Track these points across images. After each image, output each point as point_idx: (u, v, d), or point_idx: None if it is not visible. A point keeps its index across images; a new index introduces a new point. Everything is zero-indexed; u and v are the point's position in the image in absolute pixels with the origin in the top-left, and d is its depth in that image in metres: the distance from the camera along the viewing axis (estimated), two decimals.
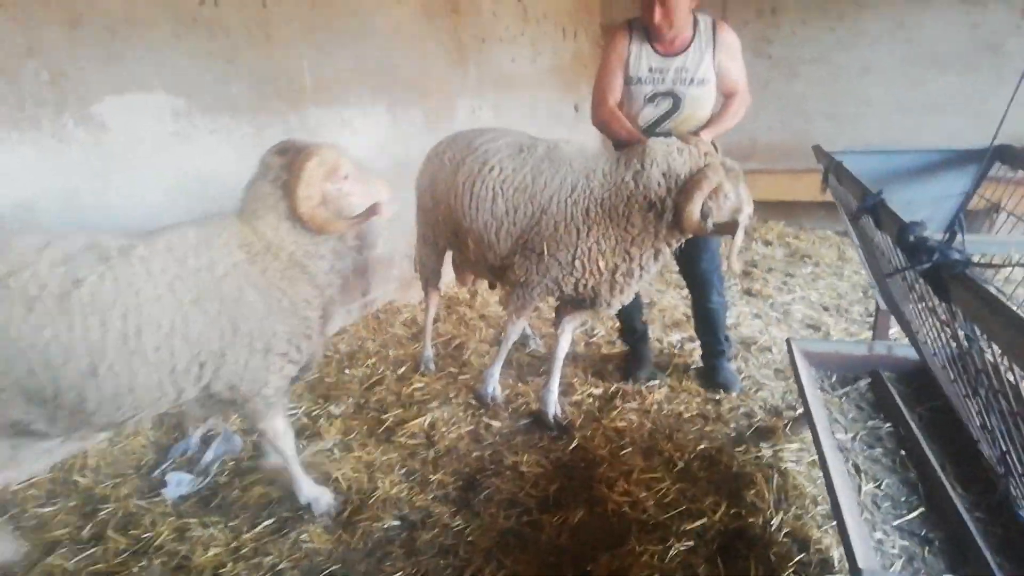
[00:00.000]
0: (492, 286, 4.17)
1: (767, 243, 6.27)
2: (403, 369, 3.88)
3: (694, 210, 2.75)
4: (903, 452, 2.45)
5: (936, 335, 1.84)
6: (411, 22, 4.76)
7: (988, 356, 1.29)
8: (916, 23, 6.39)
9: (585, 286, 3.11)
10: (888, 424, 2.64)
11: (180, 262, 2.20)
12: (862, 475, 2.32)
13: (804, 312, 4.68)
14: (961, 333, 1.36)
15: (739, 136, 7.28)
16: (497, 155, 3.23)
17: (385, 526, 2.63)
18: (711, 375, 3.70)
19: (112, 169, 2.98)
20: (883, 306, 3.05)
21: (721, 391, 3.57)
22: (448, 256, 3.78)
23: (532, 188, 3.10)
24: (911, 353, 2.91)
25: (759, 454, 2.97)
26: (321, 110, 4.04)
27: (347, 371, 3.90)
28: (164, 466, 3.00)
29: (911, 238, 1.34)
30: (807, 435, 3.07)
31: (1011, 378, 1.30)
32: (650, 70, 3.31)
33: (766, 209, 6.86)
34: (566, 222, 3.03)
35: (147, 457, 3.06)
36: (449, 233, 3.46)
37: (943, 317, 1.55)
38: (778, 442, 3.04)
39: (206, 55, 3.34)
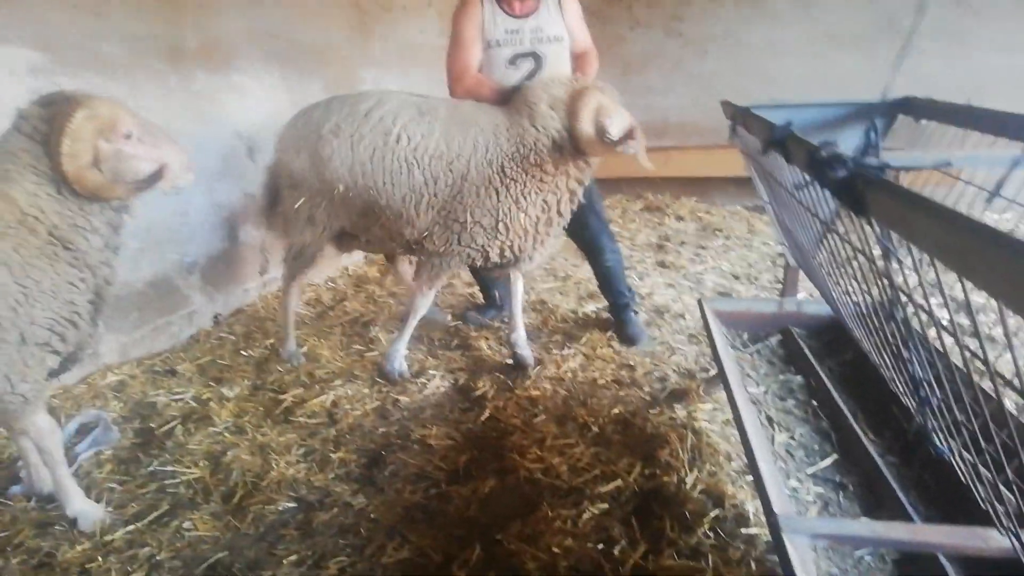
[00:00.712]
0: (390, 260, 3.95)
1: (679, 218, 6.29)
2: (304, 348, 3.64)
3: (586, 126, 2.79)
4: (815, 403, 2.42)
5: (848, 274, 1.79)
6: None
7: (908, 265, 1.21)
8: (819, 1, 6.52)
9: (510, 248, 3.05)
10: (800, 377, 2.61)
11: None
12: (775, 426, 2.27)
13: (716, 281, 4.68)
14: (878, 253, 1.27)
15: (651, 115, 7.33)
16: (398, 122, 3.01)
17: (280, 508, 2.42)
18: (620, 330, 3.71)
19: None
20: (792, 262, 3.02)
21: (629, 345, 3.60)
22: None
23: (448, 154, 2.95)
24: (820, 309, 2.91)
25: (673, 415, 2.90)
26: (207, 74, 3.74)
27: (243, 352, 3.63)
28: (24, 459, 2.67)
29: (823, 154, 1.24)
30: (720, 395, 3.02)
31: (930, 290, 1.22)
32: (507, 31, 3.27)
33: (678, 185, 6.91)
34: (487, 185, 2.94)
35: (8, 450, 2.74)
36: (353, 214, 3.17)
37: (856, 244, 1.48)
38: (692, 403, 2.98)
39: (71, 8, 3.02)
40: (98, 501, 2.43)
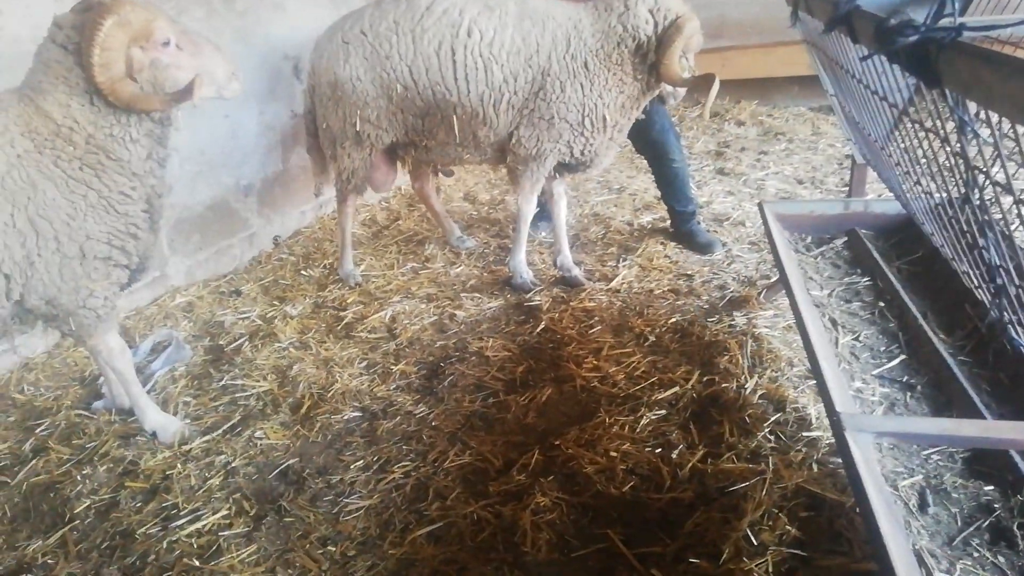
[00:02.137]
0: (448, 174, 3.90)
1: (740, 123, 6.02)
2: (361, 267, 3.68)
3: (674, 58, 2.73)
4: (882, 304, 2.33)
5: (922, 162, 1.68)
6: None
7: (984, 137, 1.11)
8: None
9: (590, 145, 3.03)
10: (866, 279, 2.51)
11: None
12: (839, 329, 2.20)
13: (778, 187, 4.50)
14: (952, 129, 1.18)
15: (707, 13, 6.91)
16: (466, 15, 2.90)
17: (345, 418, 2.51)
18: (690, 240, 3.64)
19: (8, 59, 2.66)
20: (860, 159, 2.87)
21: (703, 254, 3.55)
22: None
23: (526, 50, 2.87)
24: (889, 208, 2.77)
25: (732, 323, 2.86)
26: None
27: (303, 272, 3.70)
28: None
29: (891, 22, 1.14)
30: (782, 302, 2.95)
31: (1009, 160, 1.13)
32: None
33: (738, 88, 6.58)
34: (572, 80, 2.89)
35: (90, 367, 2.89)
36: (412, 117, 3.08)
37: (928, 121, 1.38)
38: (752, 310, 2.93)
39: None
40: (175, 414, 2.56)
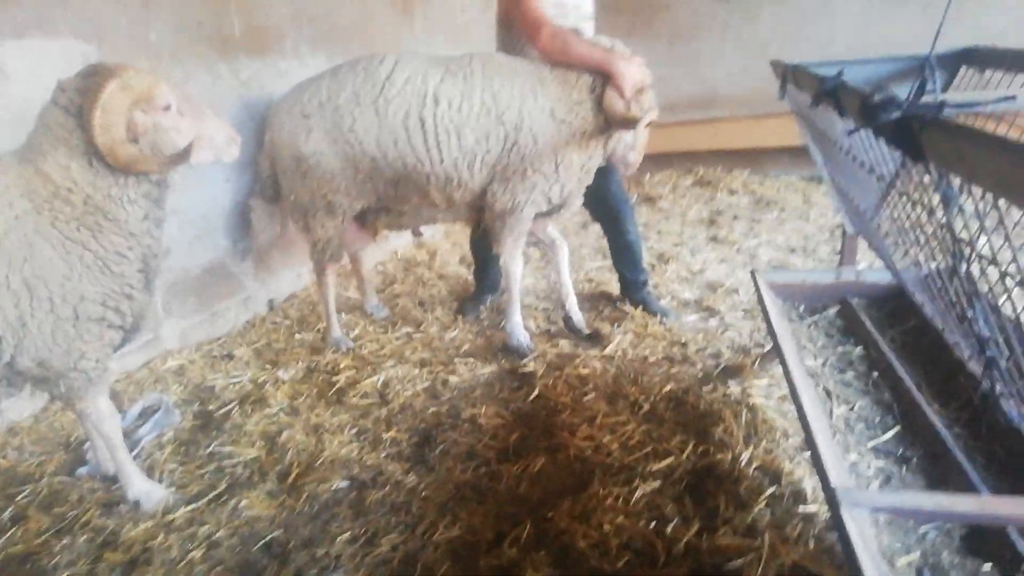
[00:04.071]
0: (417, 234, 3.92)
1: (732, 192, 6.12)
2: (356, 331, 3.68)
3: (611, 93, 2.89)
4: (875, 374, 2.32)
5: (909, 233, 1.70)
6: None
7: (969, 209, 1.13)
8: None
9: (564, 190, 3.09)
10: (859, 348, 2.51)
11: None
12: (834, 399, 2.19)
13: (771, 255, 4.55)
14: (937, 202, 1.20)
15: (700, 86, 7.14)
16: (429, 82, 2.95)
17: (333, 487, 2.45)
18: (646, 309, 3.67)
19: (15, 120, 2.70)
20: (850, 230, 2.90)
21: (661, 318, 3.58)
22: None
23: (496, 108, 2.92)
24: (880, 277, 2.79)
25: (727, 391, 2.83)
26: (254, 60, 3.78)
27: (297, 336, 3.69)
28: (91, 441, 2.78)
29: (876, 98, 1.17)
30: (776, 370, 2.94)
31: (994, 234, 1.14)
32: (554, 5, 3.16)
33: (730, 158, 6.73)
34: (543, 132, 2.94)
35: (77, 432, 2.84)
36: (382, 186, 3.12)
37: (914, 193, 1.40)
38: (747, 379, 2.91)
39: None
40: (160, 482, 2.51)
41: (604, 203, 3.58)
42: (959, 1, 2.55)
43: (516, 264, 3.27)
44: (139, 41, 3.18)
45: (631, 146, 3.16)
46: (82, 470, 2.58)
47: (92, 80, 1.95)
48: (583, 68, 2.96)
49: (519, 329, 3.37)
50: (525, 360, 3.24)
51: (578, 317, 3.50)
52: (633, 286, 3.73)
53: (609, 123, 2.96)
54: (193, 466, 2.61)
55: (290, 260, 4.27)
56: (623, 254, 3.70)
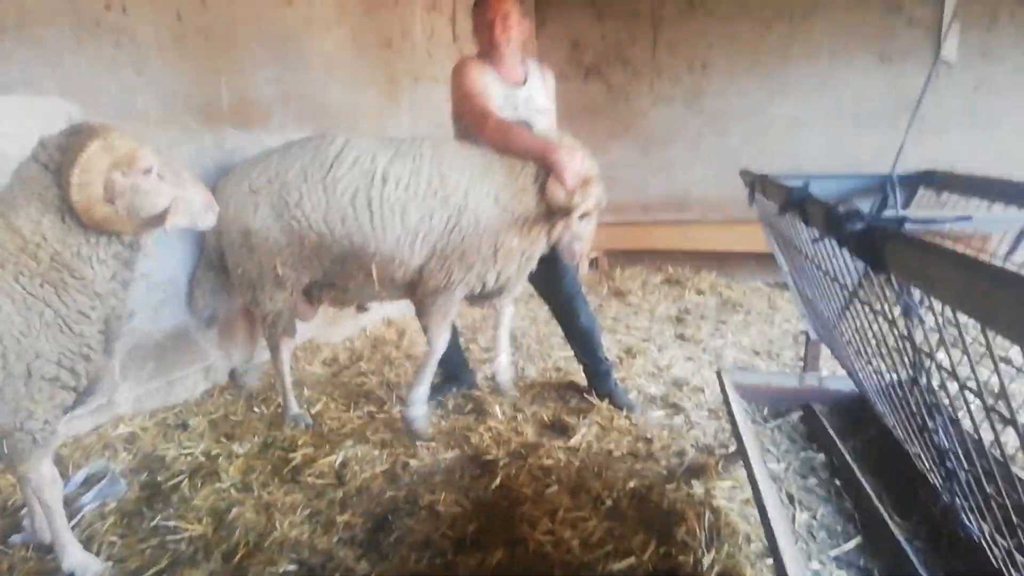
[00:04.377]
0: (361, 309, 3.89)
1: (699, 292, 6.26)
2: (317, 407, 3.60)
3: (553, 181, 2.99)
4: (838, 482, 2.32)
5: (871, 342, 1.74)
6: (341, 52, 4.66)
7: (929, 324, 1.17)
8: (841, 80, 6.61)
9: (503, 275, 3.13)
10: (821, 455, 2.51)
11: None
12: (796, 504, 2.17)
13: (736, 356, 4.61)
14: (899, 313, 1.24)
15: (672, 188, 7.42)
16: (378, 162, 3.03)
17: (281, 571, 2.34)
18: (613, 401, 3.63)
19: None
20: (813, 336, 2.97)
21: (627, 412, 3.53)
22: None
23: (444, 190, 2.99)
24: (842, 385, 2.84)
25: (691, 492, 2.80)
26: (240, 132, 3.84)
27: (255, 409, 3.60)
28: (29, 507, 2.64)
29: (840, 209, 1.23)
30: (740, 473, 2.93)
31: (954, 347, 1.18)
32: (504, 97, 3.35)
33: (699, 259, 6.92)
34: (486, 216, 3.01)
35: (15, 496, 2.70)
36: (327, 263, 3.13)
37: (876, 303, 1.45)
38: (710, 480, 2.88)
39: (111, 62, 3.14)
40: (98, 554, 2.37)
41: (555, 289, 3.63)
42: (919, 127, 2.71)
43: (440, 342, 3.27)
44: (126, 106, 3.24)
45: (577, 236, 3.22)
46: (16, 538, 2.43)
47: (74, 139, 1.96)
48: (526, 158, 3.07)
49: (420, 405, 3.32)
50: (420, 442, 3.23)
51: (504, 377, 3.54)
52: (596, 375, 3.72)
53: (551, 211, 3.06)
54: (135, 539, 2.48)
55: (255, 331, 4.21)
56: (579, 341, 3.70)
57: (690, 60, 7.14)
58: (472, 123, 3.26)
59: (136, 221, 2.07)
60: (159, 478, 2.90)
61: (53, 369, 2.02)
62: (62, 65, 2.95)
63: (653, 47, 7.20)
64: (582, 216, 3.05)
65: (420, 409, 3.32)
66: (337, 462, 3.04)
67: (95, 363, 2.14)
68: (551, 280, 3.50)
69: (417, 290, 3.21)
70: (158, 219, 2.09)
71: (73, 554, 2.25)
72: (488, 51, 3.38)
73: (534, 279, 3.47)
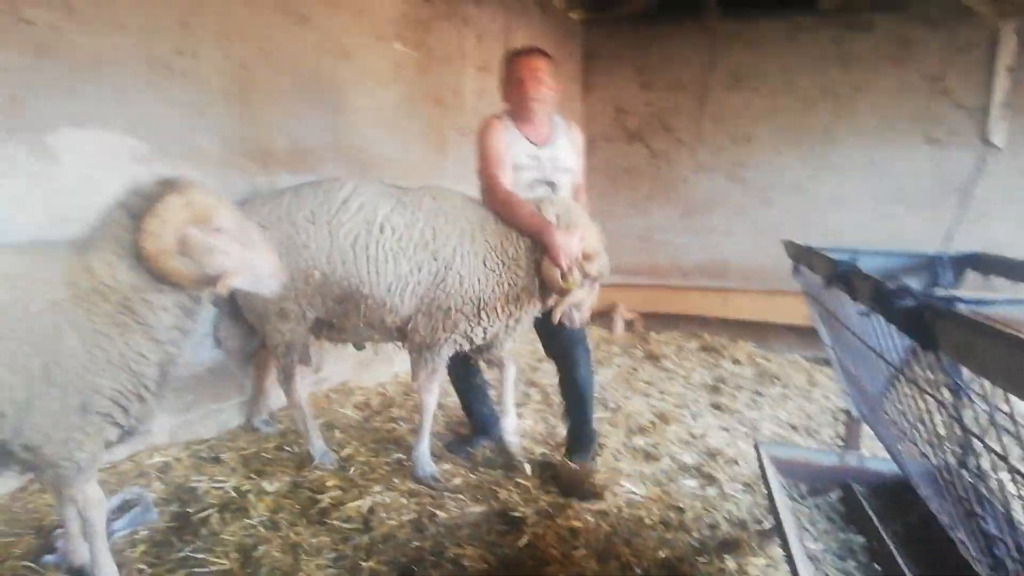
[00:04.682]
0: (359, 347, 3.85)
1: (736, 361, 6.17)
2: (347, 450, 3.61)
3: (550, 265, 3.04)
4: (877, 567, 2.25)
5: (917, 423, 1.71)
6: (394, 106, 4.82)
7: (980, 407, 1.15)
8: (884, 159, 6.62)
9: (489, 331, 3.19)
10: (861, 538, 2.44)
11: None
12: None
13: (772, 429, 4.52)
14: (947, 393, 1.23)
15: (711, 255, 7.41)
16: (380, 211, 3.12)
17: None
18: (570, 455, 3.55)
19: (58, 204, 2.83)
20: (855, 414, 2.91)
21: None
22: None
23: (434, 244, 3.08)
24: (884, 466, 2.76)
25: (723, 566, 2.73)
26: (293, 177, 3.96)
27: (287, 448, 3.62)
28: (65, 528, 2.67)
29: (889, 286, 1.23)
30: (774, 551, 2.84)
31: (1008, 428, 1.16)
32: (528, 156, 3.40)
33: (736, 328, 6.84)
34: (470, 275, 3.08)
35: (51, 516, 2.74)
36: (329, 302, 3.20)
37: (923, 382, 1.43)
38: (744, 556, 2.81)
39: (177, 104, 3.30)
40: None
41: (555, 340, 3.57)
42: (964, 208, 2.70)
43: (431, 397, 3.32)
44: (188, 144, 3.38)
45: (577, 304, 3.23)
46: (49, 558, 2.46)
47: (160, 189, 2.07)
48: (526, 234, 3.12)
49: (425, 458, 3.35)
50: (447, 493, 3.22)
51: (513, 440, 3.51)
52: (578, 439, 3.61)
53: (545, 287, 3.13)
54: (163, 569, 2.49)
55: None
56: (571, 395, 3.61)
57: (734, 132, 7.22)
58: (484, 188, 3.34)
59: (200, 278, 2.13)
60: (190, 509, 2.92)
61: (107, 405, 2.07)
62: (131, 103, 3.11)
63: (699, 117, 7.31)
64: (583, 282, 3.10)
65: (425, 469, 3.34)
66: (365, 507, 3.02)
67: (147, 404, 2.20)
68: (551, 328, 3.39)
69: (406, 345, 3.30)
70: (224, 279, 2.15)
71: (108, 573, 2.25)
72: (516, 109, 3.42)
73: (537, 323, 3.47)
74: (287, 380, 3.42)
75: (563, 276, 3.03)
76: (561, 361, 3.62)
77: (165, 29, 3.20)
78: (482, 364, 3.73)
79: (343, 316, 3.24)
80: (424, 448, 3.36)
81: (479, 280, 3.09)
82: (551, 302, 3.20)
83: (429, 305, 3.12)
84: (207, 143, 3.47)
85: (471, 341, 3.22)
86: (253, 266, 2.24)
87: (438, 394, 3.37)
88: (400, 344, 3.49)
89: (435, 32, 5.21)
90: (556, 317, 3.15)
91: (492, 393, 3.97)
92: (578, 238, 3.05)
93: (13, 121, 2.68)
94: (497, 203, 3.23)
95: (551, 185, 3.47)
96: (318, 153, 4.18)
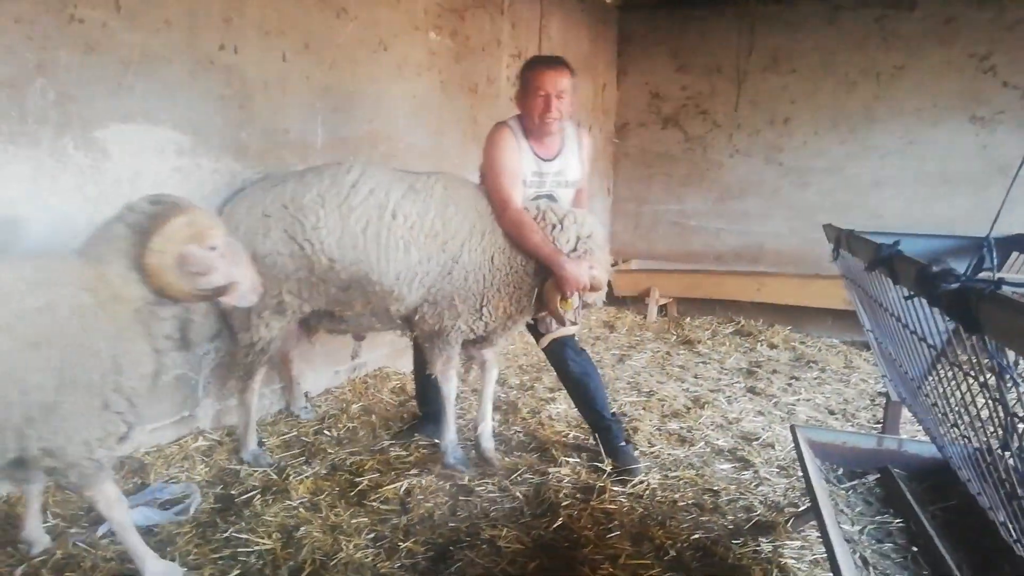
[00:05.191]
0: (360, 338, 3.86)
1: (772, 346, 6.12)
2: (385, 434, 3.68)
3: (553, 292, 3.05)
4: (915, 549, 2.23)
5: (959, 405, 1.70)
6: (428, 95, 4.86)
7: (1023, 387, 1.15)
8: (927, 140, 6.48)
9: (487, 328, 3.20)
10: (899, 520, 2.42)
11: (15, 300, 1.94)
12: (871, 569, 2.10)
13: (809, 413, 4.49)
14: (990, 375, 1.22)
15: (747, 239, 7.35)
16: (392, 196, 3.04)
17: None
18: (615, 459, 3.43)
19: (107, 197, 2.91)
20: (895, 397, 2.88)
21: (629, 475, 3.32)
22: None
23: (443, 235, 3.05)
24: (923, 450, 2.73)
25: (757, 547, 2.74)
26: None
27: (325, 432, 3.71)
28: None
29: (933, 269, 1.22)
30: (810, 533, 2.85)
31: None
32: (533, 174, 3.29)
33: (771, 312, 6.77)
34: (476, 271, 3.07)
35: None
36: (334, 288, 3.10)
37: (965, 365, 1.42)
38: (779, 538, 2.81)
39: (219, 98, 3.36)
40: (174, 560, 2.47)
41: (543, 336, 3.50)
42: (1011, 191, 2.64)
43: (449, 384, 3.30)
44: (230, 139, 3.45)
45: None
46: (103, 528, 2.58)
47: (162, 208, 2.19)
48: (534, 259, 3.08)
49: (453, 447, 3.36)
50: (464, 475, 3.26)
51: (488, 445, 3.46)
52: (597, 430, 3.53)
53: (541, 301, 3.14)
54: (208, 549, 2.58)
55: (330, 357, 4.36)
56: (573, 392, 3.59)
57: (771, 114, 7.12)
58: (492, 204, 3.18)
59: (195, 292, 2.25)
60: (233, 492, 3.02)
61: (124, 403, 2.17)
62: (176, 99, 3.18)
63: (736, 100, 7.21)
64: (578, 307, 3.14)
65: (456, 454, 3.37)
66: (402, 489, 3.09)
67: (144, 405, 2.29)
68: (540, 331, 3.43)
69: (416, 333, 3.29)
70: (212, 295, 2.30)
71: (151, 564, 2.32)
72: (530, 122, 3.25)
73: (528, 327, 3.46)
74: (247, 377, 3.29)
75: (562, 300, 3.03)
76: (552, 361, 3.61)
77: (208, 24, 3.27)
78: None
79: (346, 305, 3.17)
80: (452, 436, 3.38)
81: (484, 277, 3.09)
82: (541, 314, 3.25)
83: (435, 296, 3.10)
84: (248, 136, 3.54)
85: (473, 331, 3.21)
86: (239, 281, 2.38)
87: (456, 380, 3.35)
88: (400, 333, 3.51)
89: (470, 21, 5.23)
90: (562, 325, 3.24)
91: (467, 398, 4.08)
92: (587, 267, 3.00)
93: (65, 117, 2.76)
94: (508, 223, 3.10)
95: (550, 198, 3.34)
96: (355, 143, 4.24)
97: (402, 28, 4.54)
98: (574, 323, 3.31)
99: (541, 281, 3.11)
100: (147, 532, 2.63)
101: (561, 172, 3.38)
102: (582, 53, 6.98)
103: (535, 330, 3.50)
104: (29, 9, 2.60)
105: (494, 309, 3.14)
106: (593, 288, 3.07)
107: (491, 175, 3.20)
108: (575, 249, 3.08)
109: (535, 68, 3.26)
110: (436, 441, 3.52)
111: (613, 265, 3.30)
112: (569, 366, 3.49)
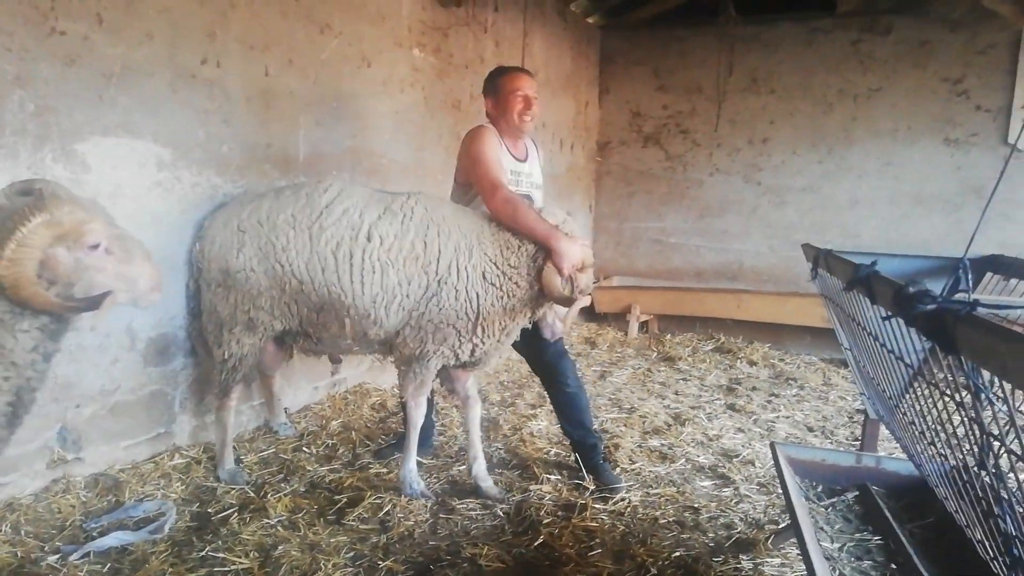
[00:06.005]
0: (336, 360, 3.82)
1: (752, 363, 6.16)
2: (365, 451, 3.65)
3: (552, 270, 2.95)
4: (894, 567, 2.25)
5: (935, 423, 1.72)
6: (411, 111, 4.87)
7: (999, 408, 1.16)
8: (903, 161, 6.61)
9: (479, 349, 3.09)
10: (877, 538, 2.44)
11: None
12: None
13: (788, 431, 4.52)
14: (965, 393, 1.24)
15: (726, 257, 7.42)
16: (366, 218, 2.99)
17: None
18: (596, 477, 3.43)
19: None
20: (872, 415, 2.91)
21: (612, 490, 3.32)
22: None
23: (425, 257, 2.97)
24: (901, 467, 2.76)
25: (738, 566, 2.74)
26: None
27: (304, 449, 3.67)
28: (96, 524, 2.75)
29: (910, 289, 1.24)
30: (790, 551, 2.86)
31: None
32: (512, 172, 3.36)
33: (751, 329, 6.82)
34: (467, 289, 2.98)
35: (73, 518, 2.79)
36: (305, 309, 3.08)
37: (942, 384, 1.44)
38: (759, 555, 2.82)
39: (202, 112, 3.35)
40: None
41: (541, 357, 3.49)
42: (986, 222, 2.69)
43: (418, 411, 3.18)
44: (211, 152, 3.43)
45: (561, 316, 3.23)
46: (74, 556, 2.51)
47: (21, 203, 1.85)
48: (528, 238, 3.03)
49: (413, 475, 3.22)
50: (424, 501, 3.16)
51: (487, 484, 3.29)
52: (582, 448, 3.52)
53: (545, 296, 3.03)
54: (184, 568, 2.53)
55: (309, 372, 4.32)
56: (566, 410, 3.53)
57: (750, 134, 7.23)
58: (482, 190, 3.19)
59: (65, 302, 1.93)
60: (209, 510, 2.97)
61: None
62: (158, 112, 3.16)
63: (716, 120, 7.31)
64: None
65: (413, 487, 3.20)
66: (383, 509, 3.06)
67: None
68: (535, 343, 3.39)
69: (393, 356, 3.20)
70: (92, 303, 1.95)
71: None
72: (506, 124, 3.37)
73: (518, 343, 3.37)
74: (224, 395, 3.25)
75: (566, 283, 2.97)
76: (549, 376, 3.54)
77: (191, 38, 3.26)
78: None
79: (321, 327, 3.12)
80: (412, 465, 3.23)
81: (478, 295, 2.99)
82: (540, 312, 3.16)
83: (419, 319, 3.01)
84: (230, 150, 3.53)
85: (457, 356, 3.11)
86: (132, 281, 2.09)
87: (424, 407, 3.22)
88: (380, 358, 3.46)
89: (453, 38, 5.26)
90: (558, 335, 3.22)
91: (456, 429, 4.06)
92: (580, 245, 3.00)
93: (44, 129, 2.73)
94: (501, 204, 3.07)
95: (528, 199, 3.35)
96: (337, 159, 4.23)
97: (386, 45, 4.56)
98: (586, 293, 3.18)
99: (536, 276, 3.02)
100: (121, 552, 2.59)
101: (531, 174, 3.52)
102: (564, 71, 7.05)
103: (523, 346, 3.45)
104: (8, 21, 2.58)
105: (490, 325, 3.04)
106: (583, 268, 3.03)
107: (479, 165, 3.20)
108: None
109: (510, 72, 3.47)
110: (420, 460, 3.46)
111: (595, 282, 3.25)
112: (569, 379, 3.48)
